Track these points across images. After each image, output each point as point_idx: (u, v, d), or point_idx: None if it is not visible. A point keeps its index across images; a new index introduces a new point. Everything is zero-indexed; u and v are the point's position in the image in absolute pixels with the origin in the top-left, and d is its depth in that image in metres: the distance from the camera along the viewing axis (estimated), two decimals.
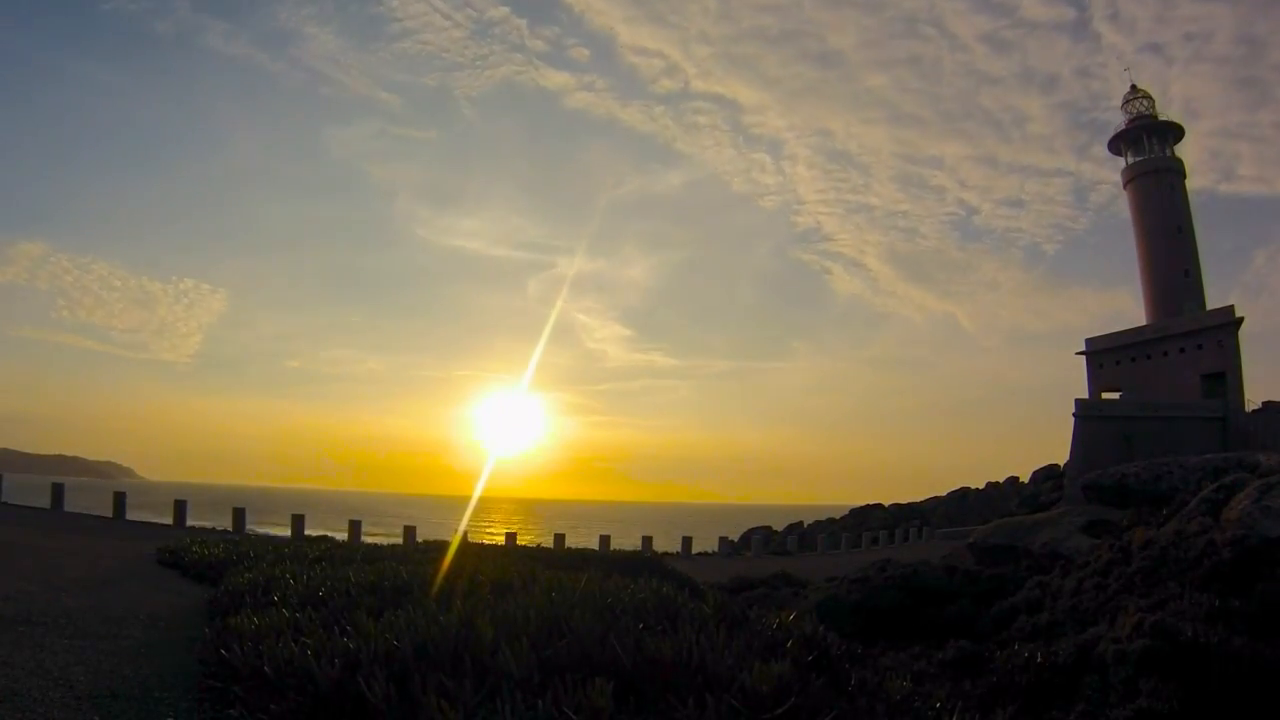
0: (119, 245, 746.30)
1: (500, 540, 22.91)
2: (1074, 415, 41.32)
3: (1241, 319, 42.09)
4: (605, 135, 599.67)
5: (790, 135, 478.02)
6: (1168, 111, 50.63)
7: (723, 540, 34.22)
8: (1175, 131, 49.87)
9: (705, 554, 31.85)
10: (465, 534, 16.19)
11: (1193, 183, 47.71)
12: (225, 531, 21.41)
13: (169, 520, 21.82)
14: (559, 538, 25.86)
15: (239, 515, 23.60)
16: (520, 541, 24.01)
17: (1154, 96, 51.16)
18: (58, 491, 21.15)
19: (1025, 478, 55.51)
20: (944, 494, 58.76)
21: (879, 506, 60.09)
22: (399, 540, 20.45)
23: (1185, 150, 49.71)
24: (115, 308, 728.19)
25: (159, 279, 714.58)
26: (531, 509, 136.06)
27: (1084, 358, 47.65)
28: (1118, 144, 51.17)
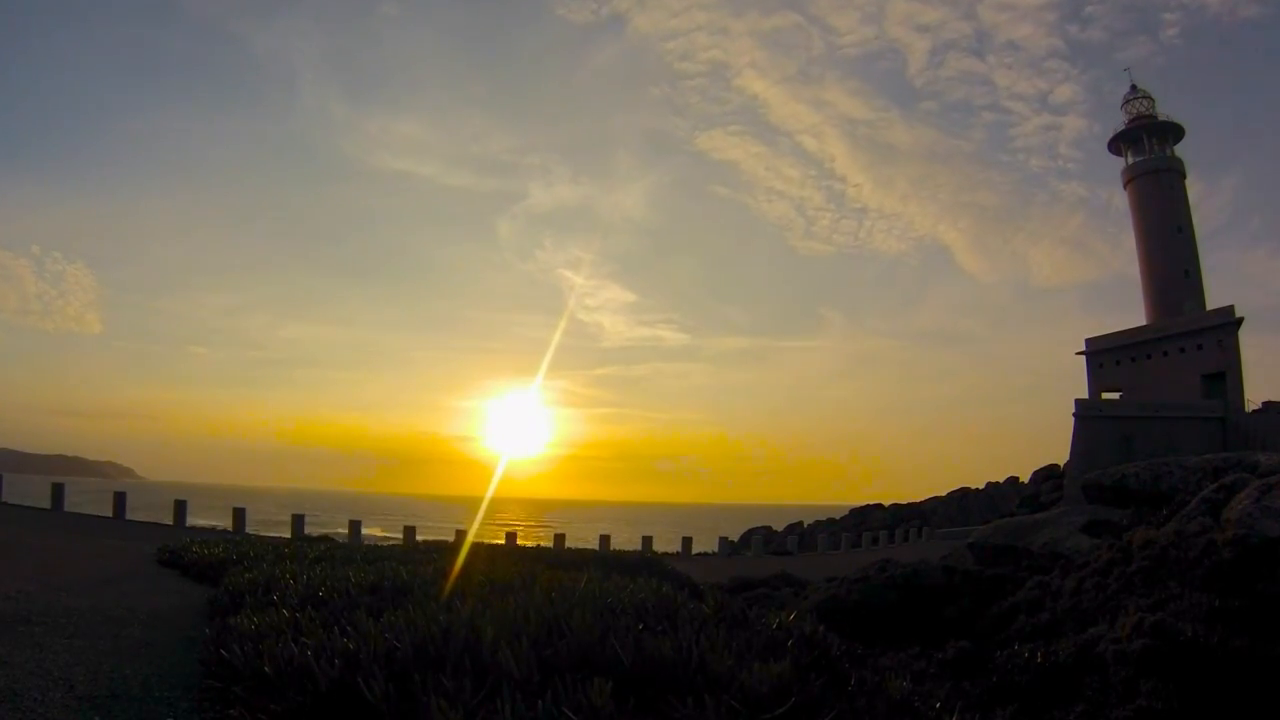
0: None
1: (500, 540, 22.95)
2: (1074, 415, 41.39)
3: (1241, 319, 42.18)
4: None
5: None
6: None
7: (723, 540, 34.25)
8: (1175, 131, 49.98)
9: (705, 554, 31.87)
10: (463, 534, 16.21)
11: None
12: (225, 531, 21.45)
13: (169, 520, 21.85)
14: (559, 538, 25.90)
15: (239, 515, 23.63)
16: (520, 542, 24.04)
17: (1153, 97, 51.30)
18: (58, 491, 21.17)
19: (1025, 478, 55.66)
20: (944, 494, 58.88)
21: (879, 506, 60.20)
22: (399, 540, 20.50)
23: None
24: None
25: (5, 247, 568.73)
26: (530, 509, 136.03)
27: (1084, 358, 47.72)
28: (1118, 144, 51.23)
